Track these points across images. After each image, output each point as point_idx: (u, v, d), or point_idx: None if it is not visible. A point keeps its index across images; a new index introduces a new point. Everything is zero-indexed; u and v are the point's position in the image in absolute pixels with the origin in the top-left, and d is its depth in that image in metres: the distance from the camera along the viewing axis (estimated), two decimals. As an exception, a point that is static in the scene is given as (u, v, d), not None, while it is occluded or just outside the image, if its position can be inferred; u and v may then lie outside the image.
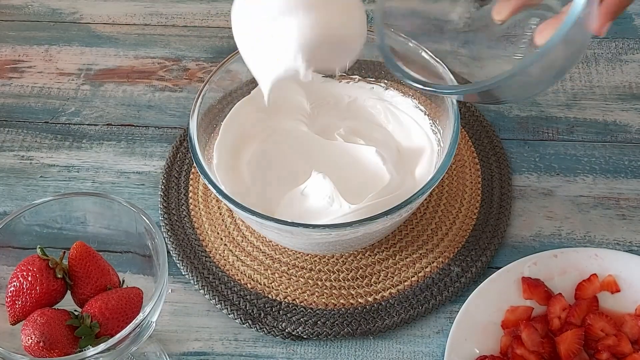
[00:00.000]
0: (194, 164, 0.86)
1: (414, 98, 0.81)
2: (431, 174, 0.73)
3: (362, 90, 0.84)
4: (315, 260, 0.78)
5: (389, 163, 0.76)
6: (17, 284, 0.60)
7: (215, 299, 0.76)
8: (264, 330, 0.74)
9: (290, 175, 0.78)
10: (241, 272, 0.78)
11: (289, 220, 0.66)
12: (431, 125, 0.79)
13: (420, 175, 0.77)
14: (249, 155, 0.79)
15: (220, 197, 0.69)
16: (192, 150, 0.71)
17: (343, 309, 0.75)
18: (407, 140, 0.80)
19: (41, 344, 0.58)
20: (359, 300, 0.75)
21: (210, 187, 0.69)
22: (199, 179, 0.85)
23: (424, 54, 0.73)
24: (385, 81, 0.83)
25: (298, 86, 0.82)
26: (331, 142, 0.80)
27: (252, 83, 0.81)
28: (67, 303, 0.63)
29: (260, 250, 0.79)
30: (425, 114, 0.80)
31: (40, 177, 0.87)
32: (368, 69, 0.83)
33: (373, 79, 0.83)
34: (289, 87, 0.82)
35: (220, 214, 0.82)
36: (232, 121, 0.80)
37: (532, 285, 0.72)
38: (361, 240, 0.73)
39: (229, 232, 0.81)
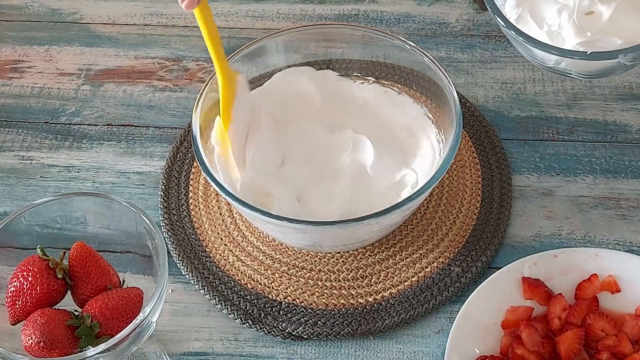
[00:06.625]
0: (194, 165, 0.86)
1: (424, 105, 0.80)
2: (434, 171, 0.73)
3: (375, 92, 0.83)
4: (316, 260, 0.78)
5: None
6: (18, 284, 0.61)
7: (215, 299, 0.76)
8: (264, 331, 0.74)
9: (296, 175, 0.79)
10: (241, 272, 0.78)
11: (302, 219, 0.67)
12: (437, 135, 0.79)
13: (423, 172, 0.77)
14: (252, 154, 0.79)
15: (230, 200, 0.69)
16: (197, 155, 0.71)
17: (343, 309, 0.75)
18: (412, 140, 0.80)
19: (41, 344, 0.58)
20: (359, 300, 0.75)
21: (219, 190, 0.69)
22: (199, 179, 0.85)
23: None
24: (399, 86, 0.82)
25: (311, 82, 0.82)
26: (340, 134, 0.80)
27: (252, 83, 0.81)
28: (67, 303, 0.63)
29: (261, 250, 0.79)
30: (432, 122, 0.80)
31: (41, 177, 0.87)
32: (382, 71, 0.83)
33: (388, 83, 0.83)
34: (300, 82, 0.82)
35: (221, 214, 0.82)
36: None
37: (533, 286, 0.72)
38: (369, 235, 0.74)
39: (229, 232, 0.81)
